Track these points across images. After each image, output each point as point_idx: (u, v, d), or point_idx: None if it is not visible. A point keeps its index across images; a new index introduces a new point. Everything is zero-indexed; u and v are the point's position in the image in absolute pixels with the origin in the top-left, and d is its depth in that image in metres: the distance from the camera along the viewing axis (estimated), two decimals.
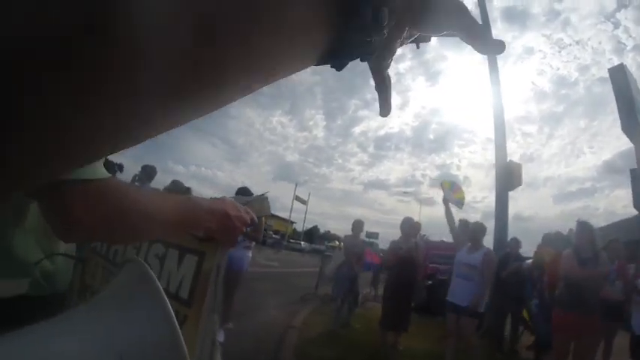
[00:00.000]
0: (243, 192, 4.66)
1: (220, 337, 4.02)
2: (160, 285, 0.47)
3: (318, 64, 0.24)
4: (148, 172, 5.34)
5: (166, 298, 0.45)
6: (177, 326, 0.42)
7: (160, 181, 6.16)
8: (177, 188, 4.48)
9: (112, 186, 0.58)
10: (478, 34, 0.31)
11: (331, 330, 5.22)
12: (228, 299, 4.30)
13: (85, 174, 0.53)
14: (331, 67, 0.26)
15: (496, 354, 4.80)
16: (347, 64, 0.26)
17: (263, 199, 1.05)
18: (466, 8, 0.31)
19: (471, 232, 4.25)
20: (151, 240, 0.90)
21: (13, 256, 0.72)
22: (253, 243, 4.58)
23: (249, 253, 4.53)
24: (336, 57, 0.24)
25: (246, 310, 5.27)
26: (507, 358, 4.86)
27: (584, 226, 3.54)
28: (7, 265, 0.72)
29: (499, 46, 0.32)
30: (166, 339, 0.42)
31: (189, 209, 0.69)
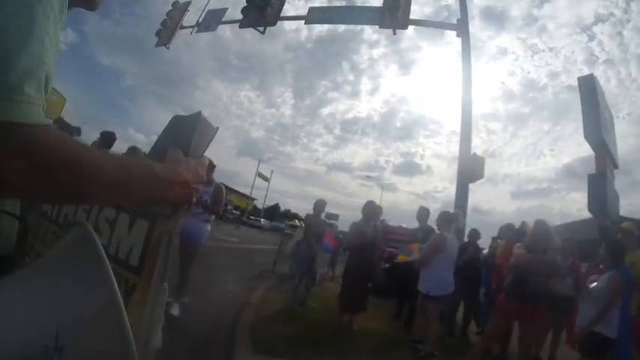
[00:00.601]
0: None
1: (175, 310, 3.94)
2: (103, 252, 0.45)
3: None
4: (106, 138, 5.06)
5: (109, 266, 0.43)
6: (119, 297, 0.40)
7: (120, 149, 5.85)
8: (136, 156, 4.24)
9: (52, 135, 0.48)
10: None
11: (288, 308, 5.22)
12: (184, 272, 4.20)
13: (13, 115, 0.44)
14: None
15: (447, 337, 4.99)
16: None
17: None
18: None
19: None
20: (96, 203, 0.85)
21: None
22: (213, 216, 4.44)
23: (208, 227, 4.40)
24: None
25: (202, 285, 5.17)
26: (457, 341, 5.06)
27: (541, 224, 3.74)
28: None
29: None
30: (107, 310, 0.40)
31: (145, 175, 0.61)
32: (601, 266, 3.60)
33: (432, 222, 5.66)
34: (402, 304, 5.76)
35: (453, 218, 4.64)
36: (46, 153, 0.46)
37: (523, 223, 4.95)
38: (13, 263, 0.84)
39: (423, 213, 5.70)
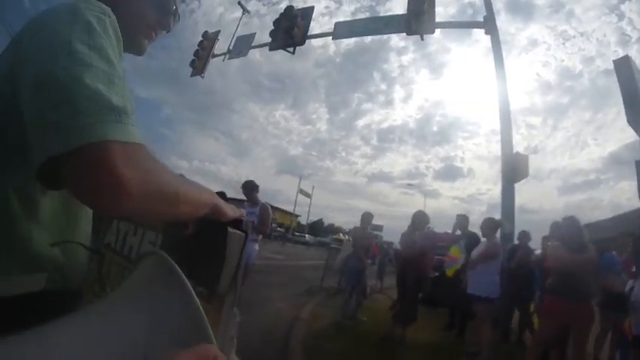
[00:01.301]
0: (249, 185, 4.67)
1: None
2: (184, 277, 0.45)
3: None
4: None
5: (191, 287, 0.43)
6: (206, 320, 0.41)
7: None
8: None
9: (148, 151, 0.58)
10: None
11: (339, 322, 5.24)
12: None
13: (127, 135, 0.54)
14: None
15: (503, 344, 4.81)
16: None
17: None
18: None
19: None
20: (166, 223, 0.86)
21: (26, 249, 0.70)
22: (260, 236, 4.60)
23: (256, 246, 4.56)
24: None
25: (253, 303, 5.30)
26: (513, 348, 4.86)
27: (569, 220, 3.64)
28: (20, 259, 0.70)
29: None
30: (194, 334, 0.40)
31: (198, 197, 0.68)
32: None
33: (472, 227, 5.62)
34: (454, 312, 5.62)
35: (496, 225, 4.63)
36: (151, 165, 0.57)
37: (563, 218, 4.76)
38: (86, 295, 0.90)
39: (462, 220, 5.68)
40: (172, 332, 0.41)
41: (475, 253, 4.43)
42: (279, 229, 41.27)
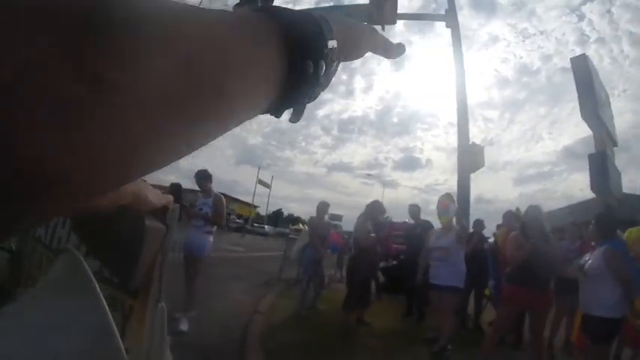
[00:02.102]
0: (202, 175, 4.45)
1: (184, 325, 3.89)
2: (92, 278, 0.44)
3: (264, 113, 0.29)
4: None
5: (99, 291, 0.42)
6: (111, 321, 0.40)
7: None
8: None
9: None
10: (387, 47, 0.43)
11: (297, 313, 5.17)
12: (190, 286, 4.17)
13: None
14: (271, 114, 0.31)
15: (461, 330, 4.94)
16: (285, 111, 0.31)
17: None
18: (375, 30, 0.41)
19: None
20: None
21: None
22: (214, 228, 4.40)
23: (211, 239, 4.36)
24: (283, 107, 0.30)
25: (210, 297, 5.11)
26: (471, 333, 5.00)
27: (533, 208, 3.72)
28: None
29: (401, 49, 0.45)
30: (100, 336, 0.40)
31: None
32: (592, 244, 3.47)
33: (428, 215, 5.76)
34: (412, 299, 5.72)
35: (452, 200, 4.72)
36: None
37: (517, 209, 4.95)
38: (7, 293, 0.83)
39: (414, 210, 5.87)
40: (81, 337, 0.40)
41: (447, 241, 4.37)
42: (237, 220, 40.68)
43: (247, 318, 4.67)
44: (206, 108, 0.21)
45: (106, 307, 0.41)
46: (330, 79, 0.36)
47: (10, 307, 0.48)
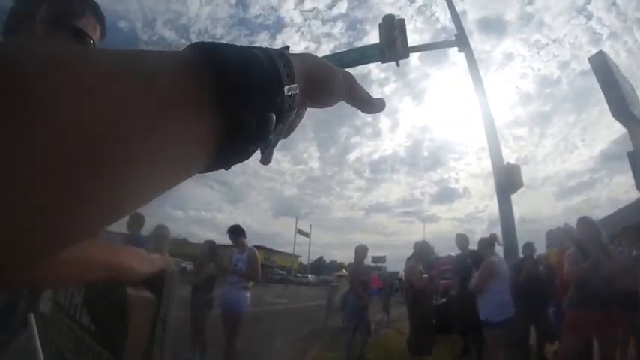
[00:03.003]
0: (234, 230, 4.45)
1: None
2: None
3: (207, 170, 0.25)
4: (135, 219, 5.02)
5: None
6: None
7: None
8: (161, 233, 4.21)
9: None
10: (365, 98, 0.39)
11: None
12: (230, 345, 4.09)
13: None
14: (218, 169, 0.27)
15: None
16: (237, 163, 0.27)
17: (159, 228, 0.90)
18: (352, 77, 0.37)
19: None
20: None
21: None
22: (250, 283, 4.33)
23: (247, 294, 4.28)
24: (225, 164, 0.26)
25: (252, 354, 4.93)
26: None
27: (585, 221, 3.43)
28: None
29: (381, 104, 0.42)
30: None
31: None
32: None
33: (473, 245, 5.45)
34: (467, 337, 5.29)
35: (490, 241, 4.48)
36: None
37: (566, 224, 4.59)
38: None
39: (461, 239, 5.50)
40: None
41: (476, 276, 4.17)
42: (280, 271, 40.49)
43: None
44: (105, 178, 0.17)
45: None
46: (292, 128, 0.34)
47: None
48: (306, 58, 0.32)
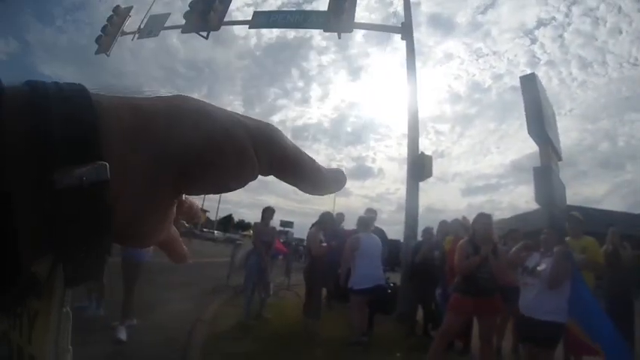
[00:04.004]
0: None
1: (122, 334, 3.62)
2: None
3: None
4: None
5: None
6: None
7: None
8: None
9: None
10: (313, 174, 0.28)
11: (242, 322, 4.99)
12: (128, 293, 3.93)
13: None
14: None
15: (409, 337, 4.99)
16: None
17: None
18: (282, 141, 0.25)
19: None
20: None
21: None
22: None
23: None
24: None
25: (151, 305, 4.81)
26: (419, 341, 5.06)
27: (482, 217, 3.78)
28: None
29: (335, 183, 0.30)
30: None
31: None
32: (541, 249, 3.53)
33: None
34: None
35: (367, 221, 5.13)
36: None
37: (464, 218, 5.10)
38: None
39: (371, 216, 5.82)
40: None
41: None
42: (186, 224, 39.12)
43: (190, 326, 4.44)
44: None
45: None
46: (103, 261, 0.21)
47: None
48: (172, 110, 0.21)
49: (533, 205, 5.71)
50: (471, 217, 4.07)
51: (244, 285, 5.65)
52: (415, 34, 8.45)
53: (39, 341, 0.56)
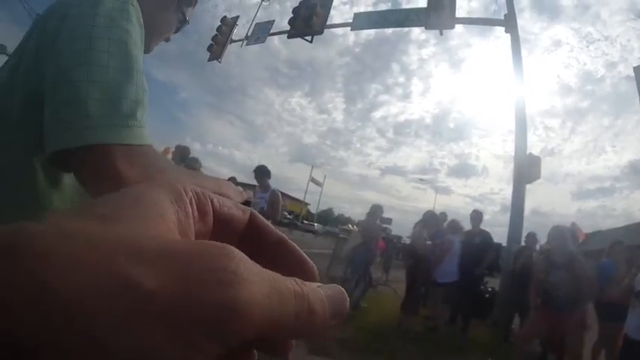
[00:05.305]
0: (261, 170, 4.77)
1: None
2: None
3: None
4: (181, 152, 5.10)
5: None
6: None
7: None
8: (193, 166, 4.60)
9: (152, 152, 0.62)
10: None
11: None
12: None
13: (131, 138, 0.57)
14: None
15: (504, 344, 4.91)
16: None
17: (191, 160, 1.00)
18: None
19: None
20: None
21: None
22: (270, 221, 4.70)
23: None
24: None
25: None
26: (513, 348, 4.94)
27: (556, 231, 3.67)
28: None
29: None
30: None
31: None
32: None
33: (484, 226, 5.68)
34: (458, 310, 5.71)
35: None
36: (154, 166, 0.60)
37: (572, 224, 4.77)
38: None
39: (476, 217, 5.75)
40: None
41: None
42: (288, 216, 41.52)
43: None
44: None
45: None
46: None
47: None
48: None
49: None
50: (580, 224, 3.88)
51: (348, 275, 6.06)
52: (519, 21, 7.94)
53: None
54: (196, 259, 0.14)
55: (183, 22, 0.96)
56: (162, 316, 0.13)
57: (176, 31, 0.97)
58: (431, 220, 5.40)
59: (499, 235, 7.05)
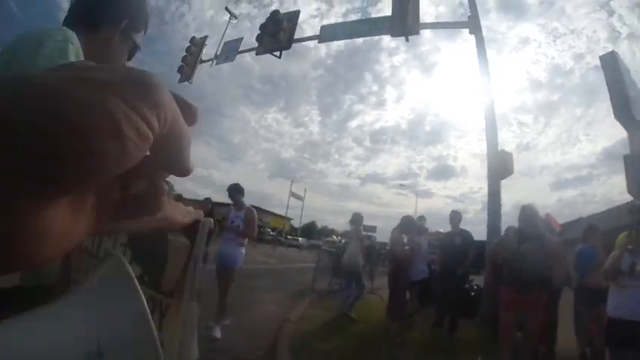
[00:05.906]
0: (234, 189, 4.68)
1: (217, 333, 4.09)
2: (135, 280, 0.46)
3: None
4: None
5: (140, 291, 0.45)
6: (149, 315, 0.43)
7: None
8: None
9: None
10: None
11: (329, 323, 5.28)
12: (223, 296, 4.36)
13: None
14: None
15: (492, 342, 4.86)
16: None
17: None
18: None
19: None
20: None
21: None
22: (246, 240, 4.60)
23: (243, 250, 4.56)
24: None
25: (243, 306, 5.31)
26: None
27: (526, 210, 3.69)
28: None
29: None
30: (139, 327, 0.42)
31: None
32: (629, 247, 3.27)
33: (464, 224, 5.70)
34: (444, 311, 5.66)
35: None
36: None
37: (547, 215, 4.85)
38: (58, 292, 0.95)
39: (455, 217, 5.77)
40: (121, 325, 0.41)
41: None
42: (271, 232, 41.19)
43: (279, 326, 4.82)
44: None
45: (144, 300, 0.44)
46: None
47: (60, 300, 0.48)
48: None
49: (628, 197, 5.15)
50: (561, 213, 3.90)
51: (333, 288, 6.04)
52: (485, 22, 8.24)
53: (168, 329, 0.76)
54: (133, 69, 0.20)
55: (134, 47, 1.00)
56: (110, 88, 0.18)
57: (129, 58, 1.02)
58: (408, 224, 5.37)
59: (483, 233, 7.11)
